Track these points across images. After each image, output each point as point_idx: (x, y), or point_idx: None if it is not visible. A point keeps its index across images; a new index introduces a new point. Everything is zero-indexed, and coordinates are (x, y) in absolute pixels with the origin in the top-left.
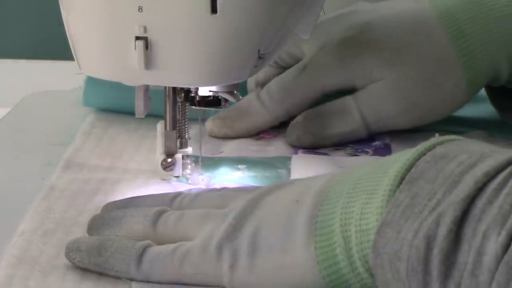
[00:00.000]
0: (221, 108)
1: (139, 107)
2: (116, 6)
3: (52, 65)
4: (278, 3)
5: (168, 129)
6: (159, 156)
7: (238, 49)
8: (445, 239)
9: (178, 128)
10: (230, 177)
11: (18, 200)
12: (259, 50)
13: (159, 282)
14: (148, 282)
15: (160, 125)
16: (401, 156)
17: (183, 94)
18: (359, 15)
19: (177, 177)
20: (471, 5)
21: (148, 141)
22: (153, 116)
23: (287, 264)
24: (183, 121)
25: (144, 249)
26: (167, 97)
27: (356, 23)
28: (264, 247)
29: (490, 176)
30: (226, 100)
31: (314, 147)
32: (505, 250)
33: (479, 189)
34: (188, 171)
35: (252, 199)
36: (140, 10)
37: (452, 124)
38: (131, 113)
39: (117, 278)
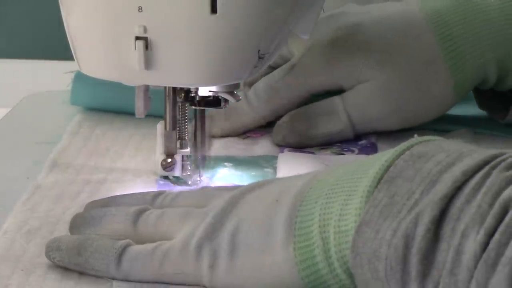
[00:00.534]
0: (221, 108)
1: (139, 107)
2: (116, 6)
3: (52, 65)
4: (278, 3)
5: (168, 129)
6: (159, 156)
7: (238, 49)
8: (423, 239)
9: (178, 128)
10: (218, 176)
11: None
12: (259, 50)
13: (139, 282)
14: (128, 281)
15: (160, 125)
16: (380, 157)
17: (183, 94)
18: (348, 17)
19: (177, 177)
20: (460, 8)
21: (135, 139)
22: None
23: (266, 264)
24: (183, 121)
25: (124, 249)
26: (167, 97)
27: (345, 25)
28: (244, 247)
29: (468, 176)
30: (226, 100)
31: (300, 147)
32: (483, 249)
33: (457, 188)
34: (188, 171)
35: (232, 198)
36: (140, 10)
37: (438, 122)
38: (118, 112)
39: (98, 277)
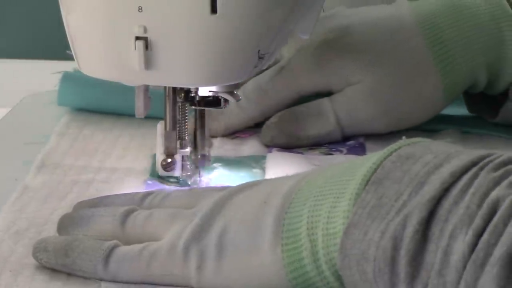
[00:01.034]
0: (221, 108)
1: (139, 108)
2: (116, 6)
3: (52, 65)
4: (278, 3)
5: (168, 129)
6: (159, 156)
7: (238, 49)
8: (412, 240)
9: (178, 129)
10: (206, 176)
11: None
12: (259, 50)
13: (127, 283)
14: (116, 282)
15: (160, 125)
16: (368, 159)
17: (183, 94)
18: (338, 19)
19: (177, 177)
20: (451, 12)
21: (123, 140)
22: (127, 115)
23: (254, 266)
24: (183, 121)
25: (111, 250)
26: (167, 97)
27: (336, 27)
28: (231, 248)
29: (456, 177)
30: (226, 100)
31: (288, 147)
32: (472, 249)
33: (445, 190)
34: (188, 171)
35: (220, 199)
36: (140, 10)
37: (426, 122)
38: (106, 112)
39: (86, 278)
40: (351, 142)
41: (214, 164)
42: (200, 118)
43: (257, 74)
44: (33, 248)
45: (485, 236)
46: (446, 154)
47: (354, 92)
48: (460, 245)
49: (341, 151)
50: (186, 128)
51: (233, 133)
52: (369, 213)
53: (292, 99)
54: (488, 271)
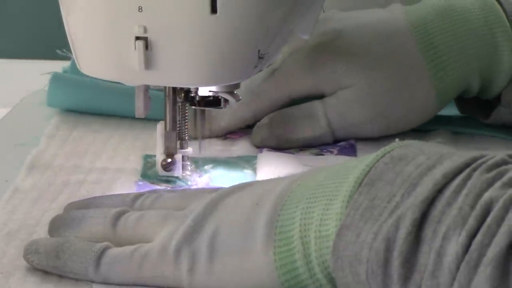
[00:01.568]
0: (221, 108)
1: (139, 107)
2: (116, 6)
3: (52, 65)
4: (278, 3)
5: (168, 129)
6: (159, 156)
7: (238, 49)
8: (405, 242)
9: (178, 129)
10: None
11: None
12: (259, 50)
13: (118, 284)
14: (107, 284)
15: (160, 126)
16: (361, 162)
17: (183, 94)
18: (332, 22)
19: (177, 177)
20: (445, 17)
21: (113, 141)
22: (117, 116)
23: (246, 268)
24: (183, 121)
25: (103, 252)
26: (167, 97)
27: (329, 30)
28: (223, 250)
29: (449, 178)
30: (226, 100)
31: (278, 149)
32: (465, 250)
33: (438, 191)
34: (188, 172)
35: (212, 201)
36: (140, 10)
37: None
38: (95, 113)
39: (78, 280)
40: (342, 143)
41: (205, 166)
42: (201, 118)
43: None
44: (24, 250)
45: (479, 237)
46: (439, 155)
47: (346, 95)
48: (453, 246)
49: (331, 152)
50: (186, 128)
51: (223, 135)
52: (361, 215)
53: (284, 101)
54: (481, 272)
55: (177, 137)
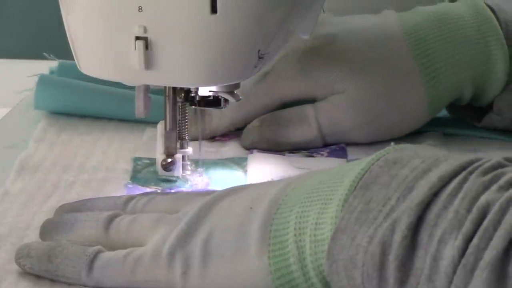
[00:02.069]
0: (221, 108)
1: (139, 107)
2: (116, 6)
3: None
4: (278, 3)
5: (168, 129)
6: (159, 156)
7: (238, 49)
8: (400, 245)
9: (178, 129)
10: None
11: None
12: (259, 50)
13: None
14: None
15: (160, 125)
16: (356, 165)
17: (183, 94)
18: (325, 27)
19: (177, 177)
20: (439, 25)
21: (101, 144)
22: (106, 119)
23: (240, 273)
24: (183, 121)
25: (95, 255)
26: (167, 97)
27: (322, 34)
28: (217, 254)
29: (445, 181)
30: (226, 100)
31: (268, 151)
32: (462, 254)
33: (434, 195)
34: (188, 172)
35: (205, 204)
36: (140, 10)
37: None
38: (82, 115)
39: (70, 284)
40: (332, 146)
41: (198, 168)
42: (201, 118)
43: None
44: (15, 254)
45: (475, 240)
46: (434, 158)
47: (338, 100)
48: (450, 250)
49: (322, 154)
50: (186, 128)
51: (214, 137)
52: (357, 218)
53: (275, 105)
54: (478, 275)
55: (177, 137)
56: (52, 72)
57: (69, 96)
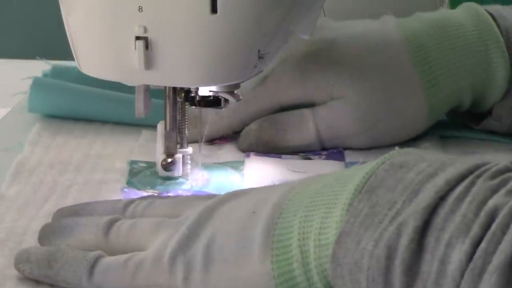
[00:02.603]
0: (221, 108)
1: (139, 107)
2: (116, 6)
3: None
4: (278, 3)
5: (168, 129)
6: (159, 156)
7: (238, 49)
8: (407, 249)
9: (178, 128)
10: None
11: None
12: (259, 50)
13: None
14: None
15: (160, 125)
16: (360, 169)
17: (183, 94)
18: (324, 32)
19: (178, 177)
20: (438, 31)
21: (97, 147)
22: (101, 122)
23: (242, 278)
24: (183, 121)
25: (96, 260)
26: (167, 97)
27: (321, 39)
28: (219, 259)
29: (452, 185)
30: (226, 100)
31: (266, 153)
32: (469, 258)
33: (441, 198)
34: (188, 171)
35: (207, 209)
36: (140, 10)
37: None
38: (76, 118)
39: None
40: (330, 149)
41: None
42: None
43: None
44: (15, 259)
45: (483, 244)
46: (440, 162)
47: (337, 106)
48: (457, 254)
49: (319, 156)
50: (186, 128)
51: (211, 140)
52: (362, 222)
53: (273, 109)
54: (486, 280)
55: (177, 137)
56: (45, 75)
57: (63, 99)
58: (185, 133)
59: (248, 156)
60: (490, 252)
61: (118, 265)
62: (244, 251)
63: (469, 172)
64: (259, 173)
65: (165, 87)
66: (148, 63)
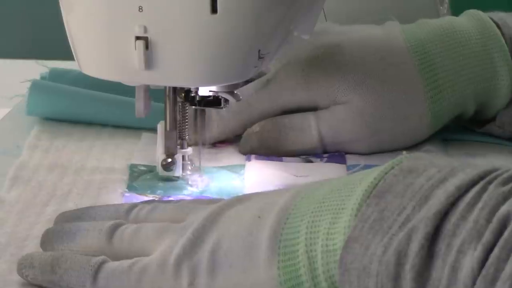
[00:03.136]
0: (221, 108)
1: (139, 107)
2: (116, 6)
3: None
4: (278, 3)
5: (168, 129)
6: (160, 156)
7: (238, 49)
8: (417, 255)
9: (178, 129)
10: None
11: None
12: (259, 50)
13: None
14: None
15: (160, 125)
16: (368, 174)
17: (183, 94)
18: (328, 36)
19: (177, 177)
20: (443, 39)
21: (96, 151)
22: (100, 125)
23: (248, 283)
24: (183, 121)
25: (100, 266)
26: (167, 97)
27: (325, 44)
28: (225, 264)
29: (462, 191)
30: (226, 100)
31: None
32: (481, 265)
33: (452, 204)
34: (188, 172)
35: (212, 213)
36: (140, 10)
37: None
38: (75, 121)
39: None
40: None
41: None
42: (201, 118)
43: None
44: (18, 264)
45: (496, 251)
46: (450, 168)
47: (341, 111)
48: (469, 261)
49: (321, 159)
50: (186, 128)
51: (213, 144)
52: (370, 227)
53: (276, 113)
54: (499, 287)
55: (177, 137)
56: (43, 78)
57: (62, 102)
58: (185, 134)
59: (249, 159)
60: (503, 259)
61: (123, 271)
62: (250, 257)
63: (480, 178)
64: (260, 177)
65: (165, 87)
66: (148, 63)
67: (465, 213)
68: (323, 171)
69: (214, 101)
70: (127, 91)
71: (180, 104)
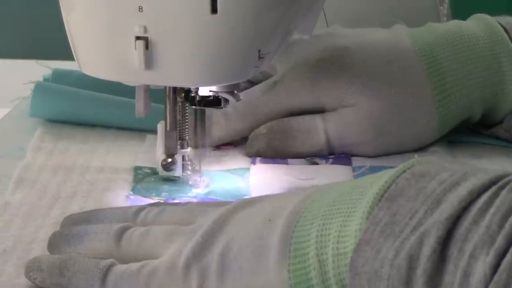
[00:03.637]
0: (222, 108)
1: (139, 107)
2: (116, 6)
3: (52, 65)
4: (278, 3)
5: (168, 129)
6: (160, 156)
7: (238, 49)
8: (429, 260)
9: (178, 129)
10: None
11: None
12: (259, 50)
13: None
14: None
15: (160, 125)
16: (379, 178)
17: (183, 94)
18: (335, 39)
19: (178, 177)
20: (451, 43)
21: (99, 153)
22: (104, 127)
23: (258, 286)
24: (183, 121)
25: (108, 269)
26: (167, 97)
27: (332, 47)
28: (234, 267)
29: (475, 196)
30: (226, 100)
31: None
32: (494, 270)
33: (464, 209)
34: (188, 172)
35: (221, 216)
36: (140, 10)
37: None
38: (78, 123)
39: None
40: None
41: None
42: (201, 118)
43: (247, 88)
44: (26, 267)
45: (508, 256)
46: (463, 172)
47: (348, 114)
48: (481, 266)
49: (326, 161)
50: (186, 128)
51: (218, 146)
52: (382, 231)
53: (282, 115)
54: None
55: (177, 137)
56: (46, 80)
57: (66, 103)
58: (185, 134)
59: (254, 163)
60: None
61: (131, 273)
62: (260, 260)
63: (492, 183)
64: (265, 180)
65: (165, 87)
66: (148, 63)
67: (477, 218)
68: (328, 173)
69: (214, 101)
70: (130, 91)
71: (180, 104)
